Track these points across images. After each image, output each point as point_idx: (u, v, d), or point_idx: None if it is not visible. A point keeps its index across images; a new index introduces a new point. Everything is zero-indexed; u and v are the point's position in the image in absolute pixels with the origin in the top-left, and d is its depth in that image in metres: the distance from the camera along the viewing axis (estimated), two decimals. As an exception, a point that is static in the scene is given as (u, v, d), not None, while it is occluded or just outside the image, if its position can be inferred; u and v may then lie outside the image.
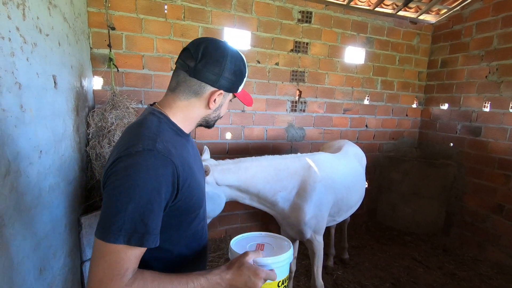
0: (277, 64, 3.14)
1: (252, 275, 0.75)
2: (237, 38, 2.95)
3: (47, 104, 1.59)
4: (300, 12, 3.11)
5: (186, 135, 0.94)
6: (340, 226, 3.03)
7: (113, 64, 2.46)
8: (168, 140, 0.80)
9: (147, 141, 0.76)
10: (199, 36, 2.77)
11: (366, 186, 3.83)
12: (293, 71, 3.22)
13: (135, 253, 0.70)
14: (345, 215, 2.26)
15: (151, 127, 0.81)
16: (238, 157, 3.07)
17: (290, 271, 2.17)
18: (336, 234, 3.10)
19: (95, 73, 2.51)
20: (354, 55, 3.48)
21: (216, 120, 0.99)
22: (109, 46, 2.45)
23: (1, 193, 1.14)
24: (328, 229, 2.94)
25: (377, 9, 3.42)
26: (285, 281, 0.88)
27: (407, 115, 3.94)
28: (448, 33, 3.61)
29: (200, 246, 0.98)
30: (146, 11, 2.59)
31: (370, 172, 3.90)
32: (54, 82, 1.69)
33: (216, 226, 3.21)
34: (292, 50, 3.16)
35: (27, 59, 1.36)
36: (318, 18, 3.20)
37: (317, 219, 1.92)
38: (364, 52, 3.51)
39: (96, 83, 2.54)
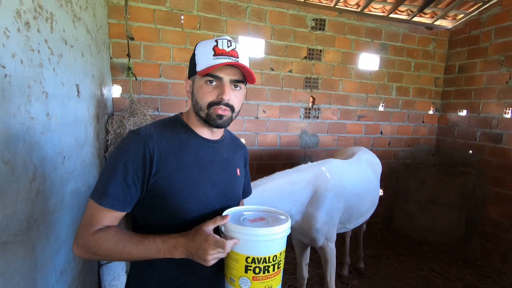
0: (290, 71, 3.16)
1: (203, 240, 0.77)
2: (251, 46, 2.99)
3: (71, 112, 1.66)
4: (313, 20, 3.13)
5: (203, 139, 0.97)
6: (355, 234, 2.98)
7: (132, 72, 2.54)
8: (165, 133, 0.91)
9: (144, 126, 0.92)
10: (214, 45, 2.84)
11: (381, 194, 3.78)
12: (306, 78, 3.23)
13: (105, 213, 0.82)
14: (356, 222, 2.23)
15: (164, 119, 0.99)
16: (252, 163, 3.13)
17: (302, 278, 2.15)
18: (351, 243, 3.04)
19: (114, 81, 2.61)
20: (369, 61, 3.47)
21: (202, 111, 0.91)
22: (128, 55, 2.54)
23: (28, 197, 1.19)
24: (343, 237, 2.90)
25: (391, 15, 3.40)
26: (260, 260, 0.80)
27: (423, 122, 3.86)
28: (466, 38, 3.54)
29: None
30: (164, 21, 2.68)
31: (386, 179, 3.83)
32: (77, 91, 1.77)
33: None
34: (305, 57, 3.18)
35: (54, 70, 1.44)
36: (331, 25, 3.21)
37: (328, 226, 1.90)
38: (379, 59, 3.49)
39: (115, 91, 2.63)
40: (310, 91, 3.27)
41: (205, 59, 0.88)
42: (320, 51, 3.22)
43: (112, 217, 0.84)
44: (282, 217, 0.92)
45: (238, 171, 1.07)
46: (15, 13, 1.09)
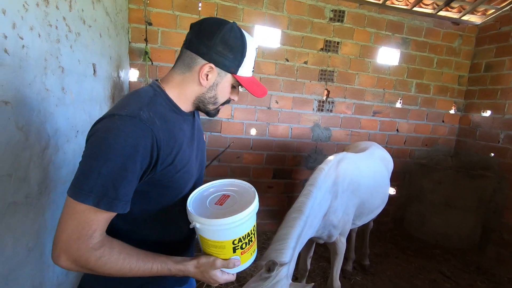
0: (305, 62, 3.12)
1: (213, 280, 0.82)
2: (267, 35, 2.98)
3: (86, 89, 1.73)
4: (332, 11, 3.07)
5: (185, 113, 0.90)
6: (362, 231, 2.94)
7: (148, 57, 2.61)
8: (158, 112, 0.78)
9: (133, 107, 0.74)
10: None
11: (393, 193, 3.69)
12: (322, 70, 3.18)
13: (104, 217, 0.70)
14: (366, 219, 2.19)
15: (144, 96, 0.80)
16: (261, 153, 3.14)
17: (304, 270, 2.15)
18: (358, 240, 3.01)
19: (131, 65, 2.69)
20: (388, 56, 3.36)
21: (213, 105, 0.89)
22: (146, 40, 2.61)
23: (40, 164, 1.27)
24: (350, 234, 2.86)
25: (415, 8, 3.28)
26: (244, 237, 0.81)
27: (443, 121, 3.71)
28: (495, 35, 3.35)
29: (179, 231, 0.93)
30: (182, 8, 2.72)
31: (399, 178, 3.73)
32: (94, 70, 1.84)
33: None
34: (322, 49, 3.13)
35: (71, 47, 1.50)
36: (351, 17, 3.14)
37: (344, 222, 1.89)
38: (399, 53, 3.37)
39: (132, 75, 2.71)
40: (325, 83, 3.23)
41: (248, 67, 0.86)
42: (338, 43, 3.16)
43: (110, 217, 0.73)
44: (244, 186, 0.92)
45: (204, 136, 1.12)
46: (34, -12, 1.15)
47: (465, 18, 3.45)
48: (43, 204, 1.31)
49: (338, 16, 3.10)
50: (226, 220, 0.76)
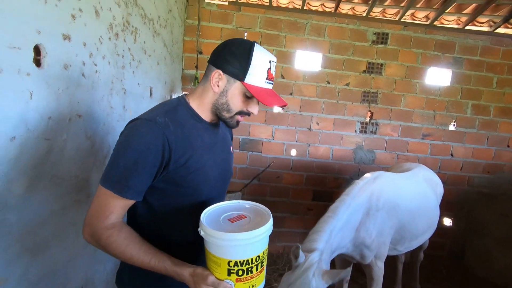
0: (347, 84, 3.13)
1: None
2: (308, 59, 3.09)
3: (143, 108, 1.98)
4: (375, 33, 3.08)
5: (205, 122, 0.98)
6: (411, 264, 2.69)
7: (197, 82, 2.88)
8: (175, 119, 0.89)
9: (153, 114, 0.87)
10: (273, 59, 3.04)
11: (451, 224, 3.33)
12: (364, 92, 3.15)
13: (119, 203, 0.82)
14: (409, 245, 2.03)
15: (167, 105, 0.93)
16: (301, 174, 3.15)
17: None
18: (406, 273, 2.75)
19: (183, 89, 2.99)
20: (438, 76, 3.20)
21: (228, 112, 0.94)
22: (196, 67, 2.91)
23: (101, 169, 1.48)
24: (394, 262, 2.65)
25: (468, 27, 3.12)
26: (242, 262, 0.76)
27: (508, 146, 3.33)
28: None
29: (187, 233, 0.96)
30: (229, 37, 2.97)
31: (456, 208, 3.38)
32: (150, 92, 2.12)
33: (274, 242, 3.24)
34: (364, 71, 3.13)
35: (133, 72, 1.77)
36: (395, 39, 3.11)
37: (378, 243, 1.80)
38: (451, 73, 3.19)
39: (183, 98, 3.01)
40: (368, 105, 3.17)
41: (258, 77, 0.89)
42: (381, 65, 3.13)
43: (126, 205, 0.85)
44: (264, 213, 0.88)
45: (231, 148, 1.15)
46: (108, 25, 1.42)
47: (529, 34, 3.16)
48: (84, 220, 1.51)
49: (382, 38, 3.10)
50: (223, 235, 0.74)
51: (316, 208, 3.22)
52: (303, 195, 3.21)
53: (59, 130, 1.13)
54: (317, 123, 3.16)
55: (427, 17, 3.10)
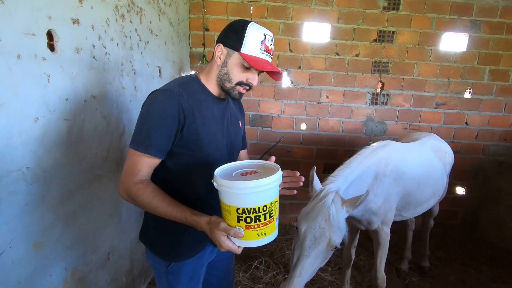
0: (357, 55, 3.06)
1: (217, 242, 0.85)
2: (316, 31, 3.02)
3: (153, 88, 2.04)
4: (386, -1, 2.95)
5: (214, 96, 1.10)
6: (422, 231, 2.74)
7: (206, 60, 2.90)
8: (187, 90, 1.01)
9: (169, 85, 1.01)
10: (280, 32, 2.99)
11: (464, 193, 3.33)
12: (375, 62, 3.08)
13: (146, 161, 0.95)
14: (414, 211, 2.07)
15: (181, 80, 1.06)
16: (312, 148, 3.19)
17: (349, 260, 2.14)
18: (417, 240, 2.83)
19: (192, 68, 3.02)
20: (453, 42, 3.07)
21: (229, 82, 1.04)
22: (203, 45, 2.91)
23: (118, 147, 1.59)
24: (404, 230, 2.72)
25: (487, -14, 2.93)
26: (250, 210, 0.82)
27: (527, 112, 3.21)
28: None
29: (200, 190, 1.08)
30: (235, 12, 2.95)
31: (470, 177, 3.35)
32: (159, 72, 2.17)
33: (287, 213, 3.36)
34: (375, 40, 3.03)
35: (141, 53, 1.82)
36: (407, 3, 2.97)
37: (385, 209, 1.86)
38: (467, 38, 3.05)
39: (192, 76, 3.05)
40: (379, 75, 3.11)
41: (253, 47, 0.99)
42: (393, 32, 3.02)
43: (151, 164, 0.97)
44: (274, 168, 0.92)
45: (240, 123, 1.25)
46: (114, 7, 1.46)
47: (556, -10, 2.94)
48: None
49: (393, 4, 2.96)
50: (232, 184, 0.81)
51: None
52: (314, 168, 3.27)
53: (77, 111, 1.22)
54: (327, 96, 3.14)
55: (442, -22, 2.92)
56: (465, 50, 3.07)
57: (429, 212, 2.51)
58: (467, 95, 3.17)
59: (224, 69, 1.04)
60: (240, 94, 1.07)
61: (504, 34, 3.04)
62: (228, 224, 0.84)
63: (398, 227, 2.73)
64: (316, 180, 1.53)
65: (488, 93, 3.16)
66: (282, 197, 1.01)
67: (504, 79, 3.13)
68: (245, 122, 1.37)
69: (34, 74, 0.99)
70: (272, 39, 1.04)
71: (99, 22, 1.33)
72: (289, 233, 3.18)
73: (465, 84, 3.14)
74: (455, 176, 3.27)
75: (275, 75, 1.08)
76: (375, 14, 2.98)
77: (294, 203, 3.31)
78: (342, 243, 1.42)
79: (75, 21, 1.17)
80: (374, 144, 1.93)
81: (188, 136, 1.00)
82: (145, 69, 1.90)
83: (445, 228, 3.43)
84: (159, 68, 2.16)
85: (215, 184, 0.85)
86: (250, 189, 0.80)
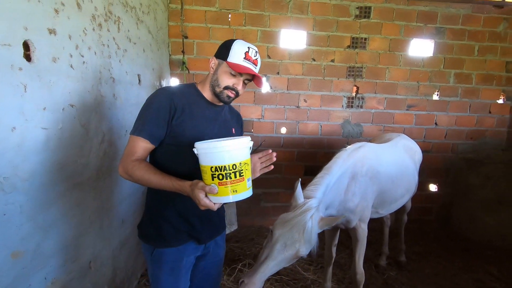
0: (332, 61, 3.20)
1: (197, 200, 1.00)
2: (293, 38, 3.13)
3: (133, 96, 2.07)
4: (358, 8, 3.11)
5: (209, 102, 1.27)
6: (397, 227, 2.88)
7: (185, 67, 2.94)
8: (182, 93, 1.22)
9: (169, 86, 1.27)
10: (258, 39, 3.08)
11: (436, 190, 3.51)
12: (349, 67, 3.22)
13: (140, 144, 1.13)
14: (389, 208, 2.19)
15: (180, 84, 1.33)
16: (292, 151, 3.27)
17: (330, 258, 2.22)
18: (393, 236, 2.95)
19: (172, 75, 3.05)
20: (421, 47, 3.27)
21: (218, 87, 1.20)
22: (183, 52, 2.95)
23: (98, 155, 1.59)
24: (381, 226, 2.84)
25: (449, -4, 3.15)
26: (220, 168, 0.96)
27: (490, 112, 3.45)
28: (547, 14, 3.05)
29: (187, 170, 1.18)
30: (213, 20, 3.01)
31: (441, 175, 3.54)
32: (139, 80, 2.19)
33: (269, 216, 3.41)
34: (348, 46, 3.18)
35: (120, 61, 1.84)
36: (377, 12, 3.14)
37: (362, 207, 1.95)
38: (433, 44, 3.26)
39: (173, 83, 3.07)
40: (354, 80, 3.25)
41: (237, 57, 1.18)
42: (365, 39, 3.18)
43: (146, 148, 1.15)
44: (249, 139, 1.08)
45: (233, 130, 1.37)
46: (91, 17, 1.48)
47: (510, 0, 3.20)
48: (100, 186, 1.63)
49: (364, 12, 3.13)
50: (205, 144, 1.00)
51: (308, 183, 3.35)
52: (295, 170, 3.35)
53: (55, 119, 1.23)
54: (305, 101, 3.25)
55: (409, -12, 3.12)
56: (431, 55, 3.28)
57: (402, 208, 2.64)
58: (435, 97, 3.37)
59: (215, 76, 1.22)
60: (229, 97, 1.22)
61: (466, 40, 3.27)
62: (205, 183, 0.99)
63: (376, 225, 2.85)
64: (299, 192, 1.64)
65: (454, 95, 3.38)
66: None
67: (467, 81, 3.36)
68: None
69: (11, 84, 1.00)
70: (256, 52, 1.22)
71: (76, 31, 1.35)
72: (265, 236, 3.23)
73: (433, 87, 3.34)
74: (428, 174, 3.45)
75: (257, 81, 1.25)
76: (348, 21, 3.13)
77: (276, 206, 3.38)
78: (309, 255, 1.55)
79: (52, 31, 1.19)
80: (350, 146, 2.03)
81: (175, 126, 1.16)
82: (124, 76, 1.92)
83: (420, 224, 3.60)
84: (138, 75, 2.17)
85: (195, 151, 1.01)
86: (219, 148, 0.97)
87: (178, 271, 1.24)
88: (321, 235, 1.61)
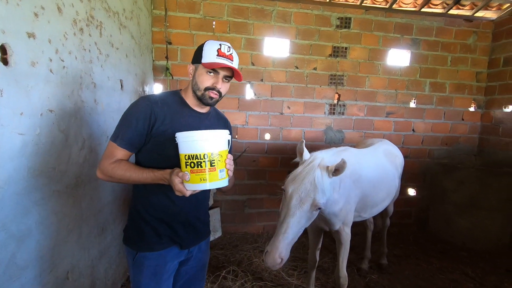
0: (315, 69, 3.28)
1: (173, 184, 1.05)
2: (277, 46, 3.19)
3: (115, 101, 2.04)
4: (338, 18, 3.22)
5: (192, 109, 1.28)
6: (379, 230, 2.95)
7: (169, 73, 2.92)
8: (164, 101, 1.23)
9: (151, 94, 1.26)
10: (242, 46, 3.11)
11: (414, 194, 3.63)
12: (331, 75, 3.31)
13: (120, 152, 1.15)
14: (371, 212, 2.25)
15: (164, 92, 1.31)
16: (276, 157, 3.31)
17: (313, 262, 2.24)
18: (375, 241, 3.02)
19: (155, 80, 3.02)
20: (398, 57, 3.41)
21: (199, 90, 1.21)
22: (167, 58, 2.94)
23: (77, 162, 1.55)
24: (364, 230, 2.90)
25: (424, 9, 3.32)
26: (192, 156, 1.01)
27: (463, 119, 3.63)
28: (512, 28, 3.28)
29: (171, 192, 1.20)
30: (198, 27, 3.03)
31: (419, 179, 3.68)
32: (121, 85, 2.16)
33: (254, 222, 3.41)
34: (330, 55, 3.28)
35: (101, 66, 1.82)
36: (357, 23, 3.26)
37: (346, 211, 1.98)
38: (410, 54, 3.41)
39: (156, 88, 3.05)
40: (335, 87, 3.35)
41: (210, 56, 1.17)
42: (346, 48, 3.29)
43: (123, 154, 1.17)
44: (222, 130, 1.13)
45: None
46: (72, 21, 1.46)
47: (479, 14, 3.42)
48: (79, 194, 1.58)
49: (345, 23, 3.24)
50: (181, 134, 1.05)
51: (292, 188, 3.40)
52: (279, 176, 3.38)
53: (32, 125, 1.19)
54: (288, 107, 3.30)
55: (386, 0, 3.26)
56: (408, 64, 3.43)
57: (385, 212, 2.72)
58: (412, 105, 3.51)
59: (194, 80, 1.23)
60: (211, 98, 1.22)
61: (439, 51, 3.45)
62: (180, 171, 1.04)
63: (359, 229, 2.91)
64: (305, 151, 1.71)
65: (429, 103, 3.54)
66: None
67: (441, 90, 3.53)
68: None
69: (-14, 88, 0.97)
70: (229, 47, 1.20)
71: (56, 35, 1.32)
72: (257, 241, 3.23)
73: (410, 95, 3.49)
74: (407, 179, 3.57)
75: (236, 75, 1.24)
76: (329, 31, 3.23)
77: (260, 212, 3.38)
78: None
79: (31, 35, 1.16)
80: (334, 148, 2.08)
81: (156, 136, 1.18)
82: (106, 82, 1.89)
83: (400, 228, 3.71)
84: (121, 80, 2.15)
85: (176, 140, 1.07)
86: (192, 137, 1.03)
87: (160, 276, 1.23)
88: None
